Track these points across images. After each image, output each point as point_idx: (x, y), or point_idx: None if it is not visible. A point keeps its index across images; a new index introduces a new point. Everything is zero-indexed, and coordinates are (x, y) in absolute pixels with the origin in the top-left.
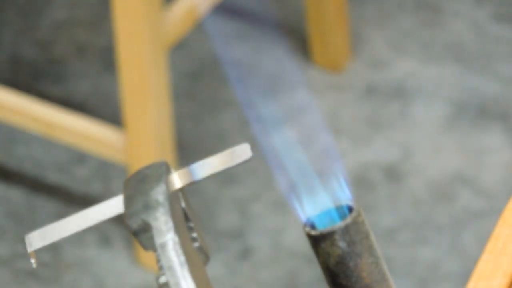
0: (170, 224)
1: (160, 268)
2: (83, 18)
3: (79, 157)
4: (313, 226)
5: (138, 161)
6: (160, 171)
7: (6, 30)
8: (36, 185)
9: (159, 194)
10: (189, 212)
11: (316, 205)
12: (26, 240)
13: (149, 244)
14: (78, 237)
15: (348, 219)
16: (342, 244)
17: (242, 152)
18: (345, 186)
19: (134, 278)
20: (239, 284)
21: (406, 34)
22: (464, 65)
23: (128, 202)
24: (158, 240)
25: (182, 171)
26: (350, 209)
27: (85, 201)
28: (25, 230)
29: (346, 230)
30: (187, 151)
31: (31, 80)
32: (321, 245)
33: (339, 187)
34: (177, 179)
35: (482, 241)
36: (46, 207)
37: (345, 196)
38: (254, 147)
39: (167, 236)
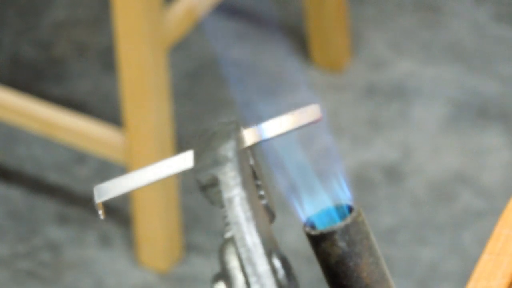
0: (238, 179)
1: (226, 223)
2: (83, 18)
3: (79, 157)
4: (313, 226)
5: (138, 161)
6: (229, 128)
7: (6, 30)
8: (36, 185)
9: (228, 150)
10: (257, 170)
11: (316, 205)
12: (95, 190)
13: (216, 198)
14: (78, 237)
15: (348, 219)
16: (342, 244)
17: (312, 112)
18: (345, 186)
19: (134, 278)
20: None
21: (406, 34)
22: (464, 65)
23: (197, 157)
24: (225, 195)
25: (252, 129)
26: (350, 209)
27: (85, 201)
28: (25, 230)
29: (346, 230)
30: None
31: (31, 80)
32: (321, 245)
33: (339, 187)
34: (247, 137)
35: (482, 241)
36: (46, 207)
37: (345, 196)
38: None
39: (234, 191)
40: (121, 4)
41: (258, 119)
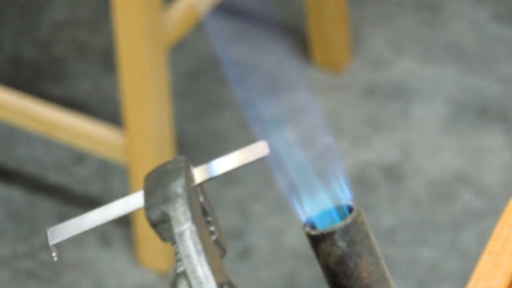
0: (188, 214)
1: (178, 258)
2: (83, 18)
3: (79, 157)
4: (313, 226)
5: (138, 161)
6: (179, 166)
7: (6, 30)
8: (36, 185)
9: (178, 186)
10: (207, 206)
11: (316, 205)
12: (48, 233)
13: (167, 235)
14: (78, 237)
15: (348, 219)
16: (342, 244)
17: (259, 149)
18: (345, 186)
19: (134, 278)
20: (239, 284)
21: (406, 34)
22: (464, 65)
23: (148, 195)
24: (176, 230)
25: (201, 167)
26: (350, 209)
27: (85, 201)
28: (25, 230)
29: (346, 230)
30: (187, 151)
31: (31, 80)
32: (321, 245)
33: (339, 187)
34: (196, 175)
35: (482, 241)
36: (46, 207)
37: (345, 196)
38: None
39: (185, 226)
40: (121, 4)
41: (258, 119)
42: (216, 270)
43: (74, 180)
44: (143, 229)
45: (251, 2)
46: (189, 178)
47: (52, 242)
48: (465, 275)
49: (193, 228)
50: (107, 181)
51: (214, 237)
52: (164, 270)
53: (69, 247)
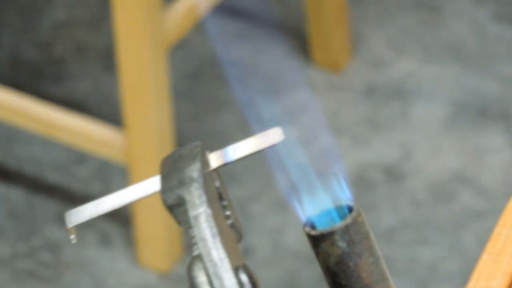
0: (204, 198)
1: (194, 242)
2: (83, 18)
3: (79, 157)
4: (313, 226)
5: (138, 161)
6: (195, 151)
7: (6, 30)
8: (36, 185)
9: (193, 171)
10: (223, 191)
11: (316, 205)
12: (66, 216)
13: (183, 218)
14: (78, 237)
15: (348, 219)
16: (342, 244)
17: (274, 135)
18: (345, 186)
19: (134, 278)
20: None
21: (406, 34)
22: (464, 65)
23: (164, 179)
24: (191, 213)
25: (217, 153)
26: (350, 209)
27: (85, 201)
28: (25, 230)
29: (346, 230)
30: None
31: (31, 80)
32: (321, 245)
33: (339, 187)
34: (212, 160)
35: (482, 241)
36: (46, 207)
37: (345, 196)
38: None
39: (200, 209)
40: (121, 4)
41: (258, 120)
42: (231, 254)
43: (74, 180)
44: (143, 229)
45: (251, 2)
46: (205, 163)
47: (70, 224)
48: (465, 275)
49: (208, 211)
50: (107, 181)
51: (229, 222)
52: (164, 270)
53: (69, 247)
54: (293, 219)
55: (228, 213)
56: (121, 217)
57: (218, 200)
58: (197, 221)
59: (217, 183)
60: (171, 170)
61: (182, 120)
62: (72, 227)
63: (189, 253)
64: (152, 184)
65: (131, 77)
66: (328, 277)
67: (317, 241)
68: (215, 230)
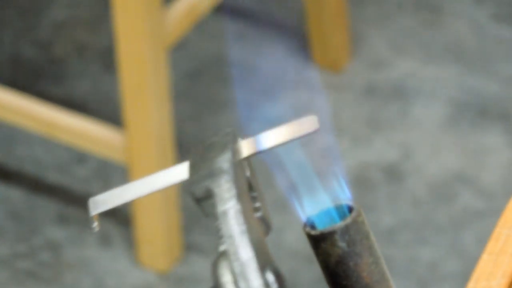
0: (233, 191)
1: (220, 236)
2: (83, 18)
3: (79, 157)
4: (313, 226)
5: (138, 161)
6: (226, 140)
7: (6, 30)
8: (36, 185)
9: (224, 161)
10: (253, 181)
11: (316, 205)
12: (90, 203)
13: (210, 211)
14: (78, 237)
15: (348, 219)
16: (342, 244)
17: (309, 123)
18: (345, 186)
19: (134, 278)
20: None
21: (406, 34)
22: (464, 65)
23: (193, 169)
24: (220, 208)
25: (249, 140)
26: (350, 209)
27: (85, 201)
28: (25, 230)
29: (346, 230)
30: (187, 151)
31: (31, 80)
32: (321, 245)
33: (339, 187)
34: (243, 148)
35: (482, 241)
36: (46, 207)
37: (345, 196)
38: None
39: (229, 204)
40: (121, 4)
41: (258, 119)
42: (259, 252)
43: (74, 180)
44: (143, 229)
45: (251, 2)
46: (236, 151)
47: (93, 212)
48: (465, 275)
49: (238, 206)
50: (107, 181)
51: (259, 214)
52: (164, 270)
53: (69, 247)
54: (293, 219)
55: (257, 204)
56: (121, 217)
57: (247, 191)
58: (225, 216)
59: (248, 173)
60: (201, 159)
61: (182, 120)
62: (95, 214)
63: (189, 253)
64: (179, 172)
65: (131, 77)
66: (328, 277)
67: (317, 241)
68: (243, 227)
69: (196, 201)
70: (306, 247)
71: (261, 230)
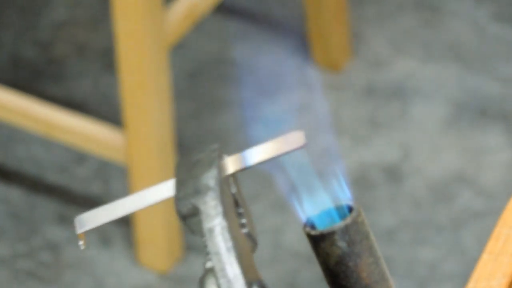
0: (219, 209)
1: (207, 253)
2: (83, 18)
3: (79, 157)
4: (313, 226)
5: (138, 161)
6: (212, 156)
7: (6, 30)
8: (36, 185)
9: (210, 178)
10: (239, 198)
11: (316, 205)
12: (76, 221)
13: (197, 228)
14: (78, 237)
15: (348, 219)
16: (342, 244)
17: (296, 139)
18: (345, 186)
19: (134, 278)
20: None
21: (406, 34)
22: (464, 65)
23: (179, 185)
24: (206, 225)
25: (234, 157)
26: (350, 209)
27: (85, 201)
28: (25, 230)
29: (346, 230)
30: (187, 151)
31: (31, 80)
32: (321, 245)
33: (339, 187)
34: (229, 165)
35: (482, 241)
36: (46, 207)
37: (345, 196)
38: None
39: (215, 221)
40: (121, 4)
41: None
42: (246, 268)
43: (74, 180)
44: (143, 229)
45: (251, 2)
46: (222, 168)
47: (80, 230)
48: (465, 275)
49: (224, 223)
50: (107, 181)
51: (245, 230)
52: (164, 270)
53: (69, 247)
54: (293, 219)
55: (243, 221)
56: (121, 217)
57: (234, 207)
58: (211, 234)
59: (234, 189)
60: (187, 176)
61: (182, 120)
62: (81, 233)
63: (189, 253)
64: (165, 190)
65: (131, 77)
66: (328, 277)
67: (317, 241)
68: (230, 244)
69: (182, 218)
70: (306, 247)
71: (247, 246)
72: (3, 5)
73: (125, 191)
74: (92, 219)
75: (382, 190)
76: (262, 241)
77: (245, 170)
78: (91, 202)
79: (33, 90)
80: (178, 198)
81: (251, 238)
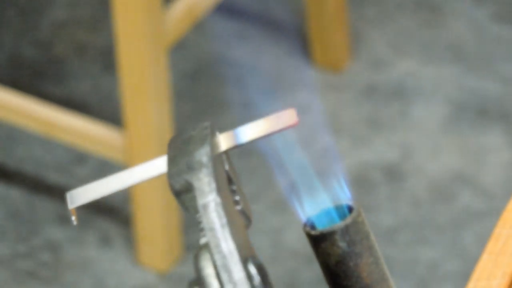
0: (213, 185)
1: (201, 229)
2: (83, 18)
3: (79, 157)
4: (313, 226)
5: (138, 161)
6: (204, 133)
7: (6, 30)
8: (36, 185)
9: (203, 155)
10: (232, 175)
11: (316, 205)
12: (68, 196)
13: (191, 205)
14: (78, 237)
15: (348, 219)
16: (342, 244)
17: (288, 117)
18: (345, 186)
19: (134, 278)
20: None
21: (406, 34)
22: (464, 65)
23: (171, 162)
24: (200, 201)
25: (227, 134)
26: (350, 209)
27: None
28: (25, 230)
29: (346, 230)
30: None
31: (31, 80)
32: (321, 245)
33: (339, 187)
34: (222, 142)
35: (482, 241)
36: (46, 207)
37: (345, 196)
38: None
39: (209, 197)
40: (121, 4)
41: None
42: (240, 243)
43: (74, 180)
44: (143, 229)
45: (251, 2)
46: (214, 145)
47: (71, 206)
48: (465, 275)
49: (218, 199)
50: None
51: (239, 207)
52: (164, 270)
53: (69, 247)
54: (293, 219)
55: (237, 198)
56: (121, 217)
57: (227, 184)
58: (206, 210)
59: (226, 166)
60: (179, 153)
61: (182, 120)
62: (72, 208)
63: (189, 253)
64: (157, 166)
65: (131, 77)
66: (328, 277)
67: (317, 241)
68: (224, 220)
69: (175, 194)
70: (306, 247)
71: (241, 223)
72: (3, 5)
73: (125, 191)
74: (84, 194)
75: (382, 190)
76: (262, 241)
77: (237, 147)
78: (91, 202)
79: (33, 90)
80: (171, 175)
81: (245, 215)
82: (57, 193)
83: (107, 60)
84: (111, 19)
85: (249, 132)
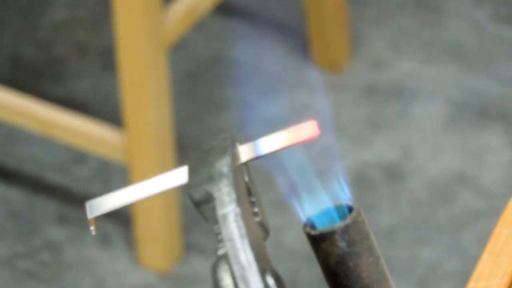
0: (233, 195)
1: (220, 240)
2: (83, 18)
3: (79, 157)
4: (313, 226)
5: (138, 161)
6: (225, 144)
7: (6, 30)
8: (36, 185)
9: (223, 165)
10: (251, 186)
11: (316, 205)
12: (87, 206)
13: (210, 215)
14: (78, 237)
15: (348, 219)
16: (342, 244)
17: (309, 129)
18: (345, 186)
19: (134, 278)
20: None
21: (406, 34)
22: (464, 65)
23: (192, 172)
24: (220, 211)
25: (247, 145)
26: (350, 209)
27: (85, 201)
28: (25, 230)
29: (346, 230)
30: (187, 151)
31: (31, 80)
32: (321, 245)
33: (339, 187)
34: (242, 153)
35: (482, 241)
36: (46, 207)
37: (345, 196)
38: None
39: (229, 208)
40: (121, 4)
41: (257, 119)
42: (258, 255)
43: (74, 180)
44: (143, 229)
45: (251, 2)
46: (235, 156)
47: (90, 215)
48: (465, 275)
49: (238, 210)
50: (107, 181)
51: (257, 219)
52: (164, 270)
53: (69, 247)
54: (293, 219)
55: (256, 209)
56: (121, 217)
57: (247, 196)
58: (225, 220)
59: (246, 178)
60: (200, 163)
61: (182, 120)
62: (92, 218)
63: (189, 253)
64: (178, 176)
65: (131, 77)
66: (328, 277)
67: (317, 241)
68: (243, 230)
69: (195, 205)
70: (306, 247)
71: (259, 234)
72: (3, 5)
73: None
74: (103, 204)
75: (382, 190)
76: None
77: (257, 159)
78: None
79: (33, 90)
80: (191, 185)
81: (263, 227)
82: (57, 193)
83: (107, 60)
84: (111, 19)
85: (269, 144)
